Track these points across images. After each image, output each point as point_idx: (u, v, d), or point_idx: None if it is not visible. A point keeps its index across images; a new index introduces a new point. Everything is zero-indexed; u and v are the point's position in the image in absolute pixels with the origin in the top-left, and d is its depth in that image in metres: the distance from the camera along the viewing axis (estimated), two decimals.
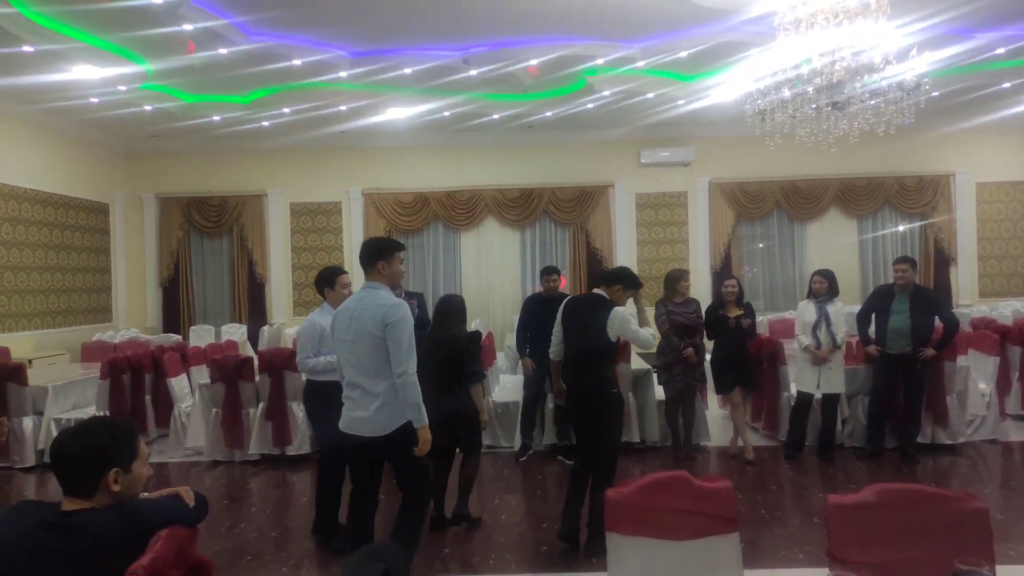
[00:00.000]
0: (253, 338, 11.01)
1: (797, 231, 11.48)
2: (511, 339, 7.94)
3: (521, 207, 11.45)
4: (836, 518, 1.94)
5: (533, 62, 8.23)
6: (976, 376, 6.46)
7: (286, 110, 9.83)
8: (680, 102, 9.66)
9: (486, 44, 7.91)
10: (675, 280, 6.25)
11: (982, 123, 10.72)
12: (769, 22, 6.74)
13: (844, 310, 6.14)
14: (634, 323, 4.30)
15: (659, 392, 6.61)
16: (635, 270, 11.38)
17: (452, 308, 4.69)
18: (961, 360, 6.40)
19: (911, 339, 5.86)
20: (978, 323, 8.00)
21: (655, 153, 11.27)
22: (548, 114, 10.25)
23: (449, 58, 8.14)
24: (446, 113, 10.09)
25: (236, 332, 10.81)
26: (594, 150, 11.43)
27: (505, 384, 7.23)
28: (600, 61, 8.23)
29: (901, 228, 11.51)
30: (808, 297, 6.22)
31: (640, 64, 8.28)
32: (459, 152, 11.51)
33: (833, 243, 11.40)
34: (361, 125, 10.52)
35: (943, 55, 7.66)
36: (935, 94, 5.67)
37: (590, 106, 9.86)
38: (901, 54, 5.20)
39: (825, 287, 6.08)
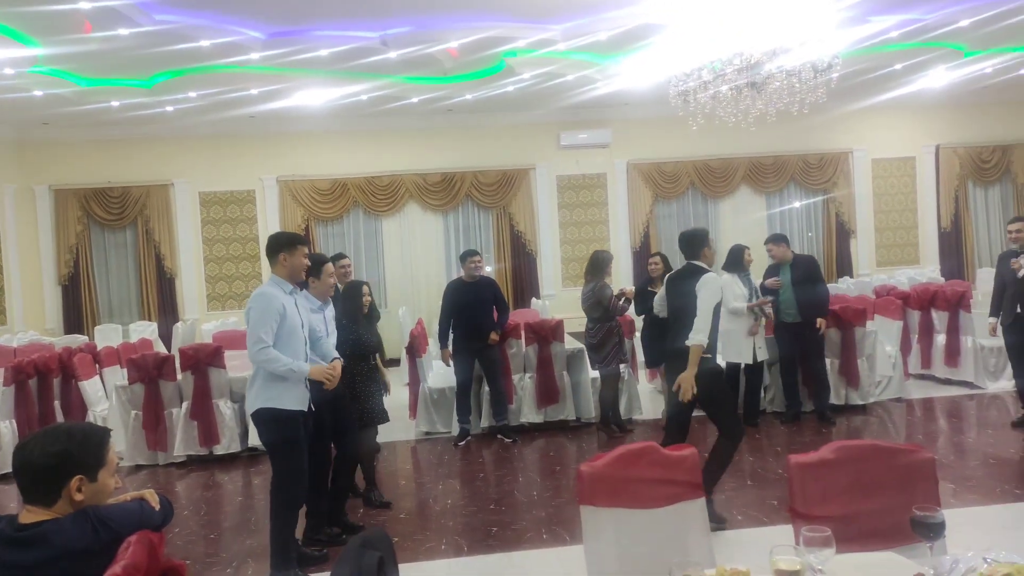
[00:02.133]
0: (165, 336, 10.49)
1: (711, 209, 11.90)
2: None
3: (443, 192, 11.36)
4: (798, 475, 2.04)
5: (454, 44, 8.14)
6: (882, 340, 6.91)
7: (192, 94, 9.34)
8: (598, 84, 9.79)
9: (406, 25, 7.75)
10: (607, 261, 6.38)
11: (876, 103, 11.38)
12: (686, 4, 6.94)
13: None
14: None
15: (592, 372, 6.75)
16: (557, 251, 11.62)
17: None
18: (869, 325, 6.83)
19: (797, 309, 6.25)
20: (880, 291, 8.55)
21: (574, 135, 11.40)
22: (468, 97, 10.18)
23: (367, 40, 7.94)
24: (364, 97, 9.85)
25: (146, 330, 10.27)
26: (515, 133, 11.45)
27: (439, 370, 7.20)
28: (521, 43, 8.22)
29: (797, 204, 12.12)
30: (731, 271, 6.44)
31: (560, 46, 8.32)
32: (378, 137, 11.28)
33: (744, 219, 11.89)
34: (274, 109, 10.12)
35: (842, 39, 8.08)
36: (834, 76, 5.96)
37: (510, 88, 9.85)
38: (813, 36, 5.46)
39: (751, 261, 6.36)
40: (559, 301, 11.23)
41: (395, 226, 11.47)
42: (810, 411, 6.61)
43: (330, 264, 4.31)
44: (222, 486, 5.80)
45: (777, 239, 6.57)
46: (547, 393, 6.61)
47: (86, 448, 1.74)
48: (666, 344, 4.34)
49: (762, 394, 6.67)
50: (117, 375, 7.01)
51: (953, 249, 12.20)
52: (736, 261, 6.45)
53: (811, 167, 11.90)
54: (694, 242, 4.23)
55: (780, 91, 5.60)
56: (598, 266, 6.33)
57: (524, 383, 6.67)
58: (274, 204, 11.23)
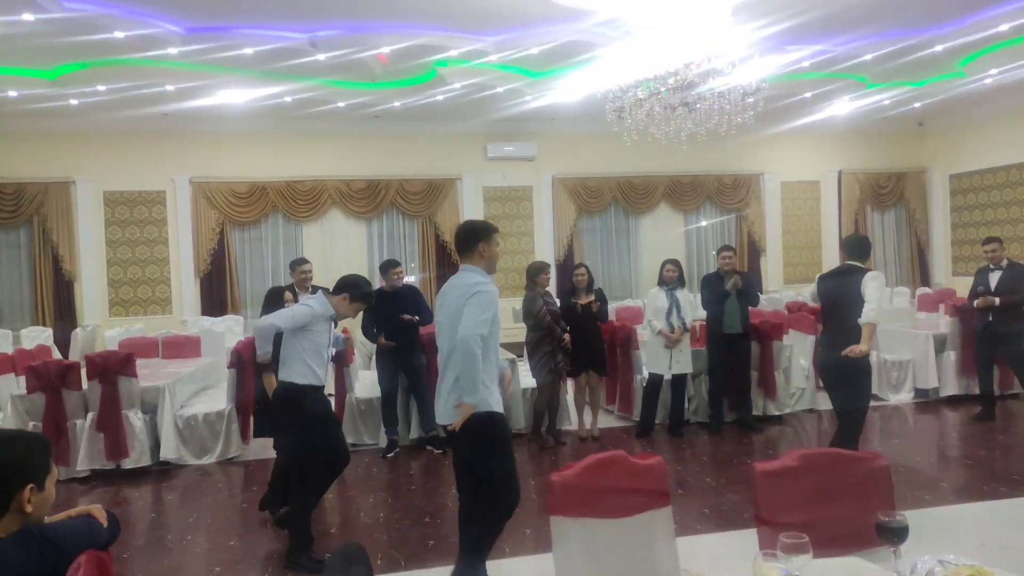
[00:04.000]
0: (62, 342, 9.78)
1: (632, 224, 12.20)
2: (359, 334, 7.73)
3: (368, 199, 11.15)
4: (763, 484, 2.09)
5: (385, 50, 8.02)
6: (797, 353, 7.24)
7: (101, 88, 8.78)
8: (527, 98, 9.88)
9: (336, 28, 7.58)
10: (538, 271, 6.40)
11: (786, 129, 12.01)
12: (619, 25, 7.11)
13: (691, 297, 6.64)
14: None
15: (524, 380, 6.75)
16: None
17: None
18: (785, 339, 7.15)
19: (741, 320, 6.49)
20: (792, 306, 8.98)
21: (501, 147, 11.45)
22: (396, 104, 10.05)
23: (295, 40, 7.70)
24: (288, 99, 9.56)
25: (40, 336, 9.55)
26: (442, 142, 11.39)
27: (364, 380, 7.02)
28: (453, 52, 8.19)
29: (704, 223, 12.61)
30: (659, 285, 6.62)
31: (492, 58, 8.35)
32: (301, 140, 10.97)
33: (663, 235, 12.25)
34: (191, 107, 9.66)
35: (762, 66, 8.49)
36: (760, 99, 6.25)
37: (440, 98, 9.80)
38: (742, 60, 5.70)
39: (675, 275, 6.53)
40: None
41: (316, 232, 11.15)
42: (731, 421, 6.84)
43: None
44: (131, 502, 5.43)
45: (730, 249, 6.76)
46: None
47: (36, 455, 1.59)
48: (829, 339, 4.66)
49: (686, 404, 6.84)
50: (11, 384, 6.46)
51: None
52: (660, 275, 6.62)
53: (726, 187, 12.40)
54: (864, 246, 4.73)
55: (710, 112, 5.80)
56: (529, 276, 6.39)
57: None
58: (186, 206, 10.71)
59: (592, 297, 6.52)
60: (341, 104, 9.91)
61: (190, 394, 6.90)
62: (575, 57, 8.28)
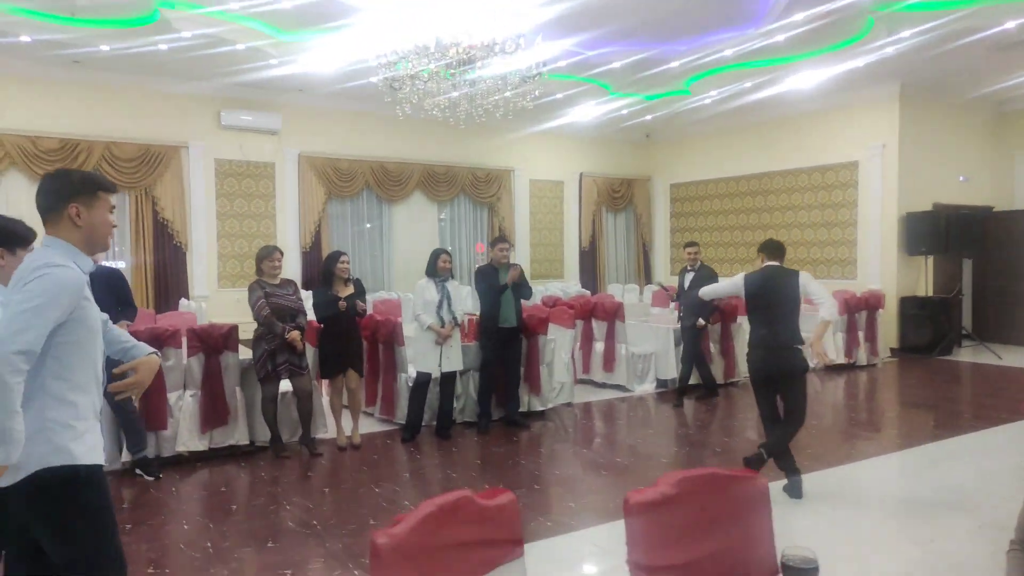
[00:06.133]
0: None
1: (385, 211, 11.58)
2: None
3: (60, 162, 9.01)
4: (637, 518, 1.67)
5: None
6: (560, 347, 7.24)
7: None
8: (273, 61, 8.72)
9: None
10: (263, 258, 5.58)
11: (536, 129, 12.29)
12: None
13: (462, 290, 6.24)
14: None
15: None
16: (214, 246, 10.13)
17: None
18: (550, 333, 7.10)
19: (516, 314, 6.29)
20: (547, 301, 9.08)
21: (238, 115, 10.05)
22: (104, 48, 8.23)
23: None
24: None
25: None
26: (164, 102, 9.66)
27: None
28: None
29: (441, 216, 12.53)
30: (429, 276, 6.13)
31: (232, 6, 7.15)
32: None
33: (417, 225, 11.82)
34: None
35: (523, 59, 8.43)
36: (508, 93, 6.06)
37: (163, 47, 8.21)
38: (527, 41, 5.43)
39: (450, 266, 6.09)
40: (215, 303, 9.77)
41: None
42: (498, 419, 6.60)
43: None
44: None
45: (504, 241, 6.59)
46: (215, 413, 5.48)
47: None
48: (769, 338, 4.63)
49: (455, 405, 6.44)
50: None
51: (589, 265, 13.76)
52: (431, 265, 6.13)
53: (479, 180, 12.35)
54: (783, 249, 4.87)
55: (490, 91, 5.44)
56: (256, 262, 5.65)
57: (184, 402, 5.43)
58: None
59: (351, 289, 5.82)
60: (26, 38, 7.85)
61: None
62: (334, 20, 7.41)
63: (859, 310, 9.59)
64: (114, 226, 2.29)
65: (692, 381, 7.57)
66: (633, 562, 1.66)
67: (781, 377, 4.58)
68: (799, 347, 4.60)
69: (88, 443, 2.13)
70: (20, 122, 8.79)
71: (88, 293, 2.14)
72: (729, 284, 5.03)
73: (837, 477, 5.09)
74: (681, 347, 7.70)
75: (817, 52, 8.68)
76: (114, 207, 2.31)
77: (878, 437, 6.30)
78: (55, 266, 2.04)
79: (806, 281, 4.65)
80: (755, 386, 4.76)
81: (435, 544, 1.52)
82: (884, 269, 10.54)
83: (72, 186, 2.17)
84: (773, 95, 10.56)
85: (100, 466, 2.18)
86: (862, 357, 9.59)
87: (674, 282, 8.66)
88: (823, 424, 6.62)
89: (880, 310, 9.87)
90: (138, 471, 5.11)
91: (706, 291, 5.23)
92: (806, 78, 9.73)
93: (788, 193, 11.88)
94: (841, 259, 11.08)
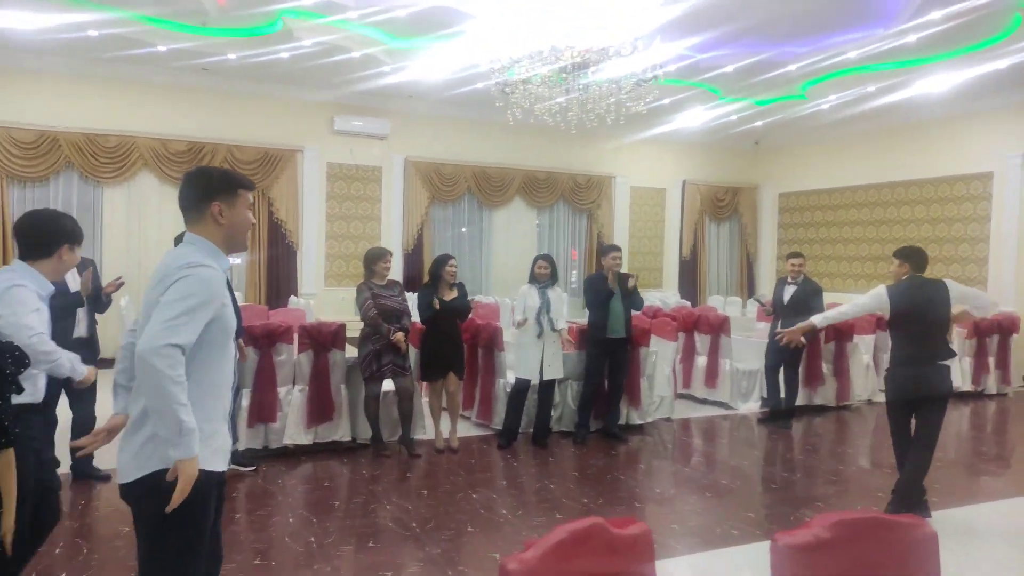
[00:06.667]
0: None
1: (485, 216, 11.66)
2: None
3: (189, 163, 9.57)
4: (785, 561, 1.52)
5: None
6: (661, 360, 7.03)
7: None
8: (386, 68, 8.94)
9: None
10: (374, 259, 5.67)
11: (640, 135, 12.04)
12: None
13: (563, 296, 6.16)
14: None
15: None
16: (322, 246, 10.50)
17: None
18: (652, 345, 6.91)
19: (625, 324, 6.14)
20: (648, 312, 8.84)
21: (350, 121, 10.38)
22: (231, 56, 8.69)
23: None
24: (93, 32, 7.89)
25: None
26: (282, 108, 10.11)
27: None
28: (305, 1, 7.12)
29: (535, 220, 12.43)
30: (530, 282, 6.09)
31: (351, 15, 7.37)
32: (109, 86, 9.20)
33: (516, 229, 11.85)
34: None
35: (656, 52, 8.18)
36: (622, 95, 5.92)
37: (284, 55, 8.59)
38: (643, 43, 5.30)
39: (548, 272, 6.03)
40: (321, 301, 10.11)
41: (121, 197, 9.44)
42: (595, 430, 6.47)
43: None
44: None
45: (616, 249, 6.40)
46: (321, 409, 5.63)
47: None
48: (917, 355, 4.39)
49: (552, 413, 6.36)
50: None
51: (689, 276, 13.37)
52: (532, 272, 6.09)
53: (579, 186, 12.24)
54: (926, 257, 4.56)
55: (603, 95, 5.34)
56: (366, 264, 5.76)
57: (292, 396, 5.61)
58: None
59: (455, 293, 5.85)
60: (161, 48, 8.38)
61: None
62: (447, 28, 7.51)
63: (990, 334, 8.83)
64: (253, 223, 2.33)
65: (800, 402, 7.16)
66: None
67: (927, 398, 4.28)
68: (948, 363, 4.31)
69: (213, 446, 2.11)
70: (152, 126, 9.40)
71: (227, 294, 2.18)
72: (869, 300, 4.55)
73: (964, 515, 4.66)
74: (781, 365, 7.21)
75: (954, 53, 8.07)
76: (252, 204, 2.36)
77: (1008, 473, 5.76)
78: (201, 265, 2.07)
79: (955, 290, 4.33)
80: (895, 408, 4.45)
81: (565, 572, 1.44)
82: (1019, 289, 9.68)
83: (214, 184, 2.21)
84: (897, 100, 9.92)
85: (222, 472, 2.18)
86: (991, 385, 8.83)
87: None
88: (946, 457, 6.10)
89: (1015, 335, 9.06)
90: (233, 465, 5.25)
91: (844, 311, 4.78)
92: (938, 81, 9.06)
93: (910, 205, 11.13)
94: (969, 278, 10.24)
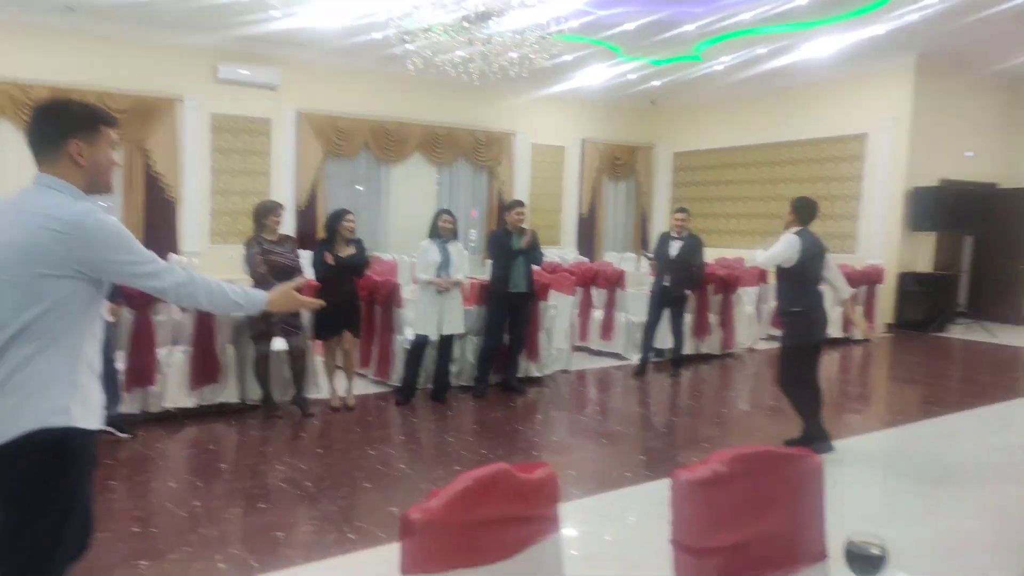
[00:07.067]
0: None
1: (383, 173, 11.33)
2: None
3: None
4: (686, 497, 1.55)
5: None
6: (560, 314, 7.11)
7: None
8: (275, 13, 8.36)
9: None
10: (265, 213, 5.42)
11: (541, 92, 11.97)
12: None
13: (464, 252, 6.09)
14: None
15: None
16: (207, 202, 9.89)
17: None
18: (550, 299, 6.97)
19: (526, 279, 6.16)
20: (548, 267, 8.91)
21: (236, 70, 9.73)
22: None
23: None
24: None
25: None
26: (160, 54, 9.32)
27: None
28: None
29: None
30: (431, 237, 5.97)
31: None
32: None
33: (415, 186, 11.60)
34: None
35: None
36: (515, 54, 5.81)
37: None
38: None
39: (452, 227, 5.94)
40: (208, 259, 9.55)
41: None
42: (495, 384, 6.49)
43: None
44: None
45: (520, 205, 6.45)
46: (205, 370, 5.34)
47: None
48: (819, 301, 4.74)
49: (451, 368, 6.32)
50: None
51: (587, 233, 13.58)
52: (433, 226, 5.98)
53: (480, 143, 12.09)
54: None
55: (506, 46, 5.22)
56: (255, 218, 5.47)
57: (173, 358, 5.28)
58: None
59: (352, 249, 5.66)
60: None
61: None
62: None
63: (859, 284, 9.49)
64: (116, 164, 2.10)
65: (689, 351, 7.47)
66: (678, 543, 1.55)
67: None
68: None
69: (90, 403, 1.95)
70: (11, 70, 8.48)
71: None
72: (785, 247, 4.58)
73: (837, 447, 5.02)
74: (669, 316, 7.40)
75: (840, 17, 8.42)
76: (115, 143, 2.12)
77: (868, 411, 6.28)
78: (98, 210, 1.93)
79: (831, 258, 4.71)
80: (809, 351, 4.73)
81: (470, 521, 1.39)
82: (886, 244, 10.43)
83: (72, 119, 1.97)
84: (785, 64, 10.31)
85: (96, 432, 2.00)
86: (857, 332, 9.52)
87: None
88: None
89: (879, 285, 9.79)
90: (110, 428, 4.88)
91: (772, 256, 4.69)
92: (823, 45, 9.46)
93: (794, 165, 11.70)
94: (841, 233, 10.91)
